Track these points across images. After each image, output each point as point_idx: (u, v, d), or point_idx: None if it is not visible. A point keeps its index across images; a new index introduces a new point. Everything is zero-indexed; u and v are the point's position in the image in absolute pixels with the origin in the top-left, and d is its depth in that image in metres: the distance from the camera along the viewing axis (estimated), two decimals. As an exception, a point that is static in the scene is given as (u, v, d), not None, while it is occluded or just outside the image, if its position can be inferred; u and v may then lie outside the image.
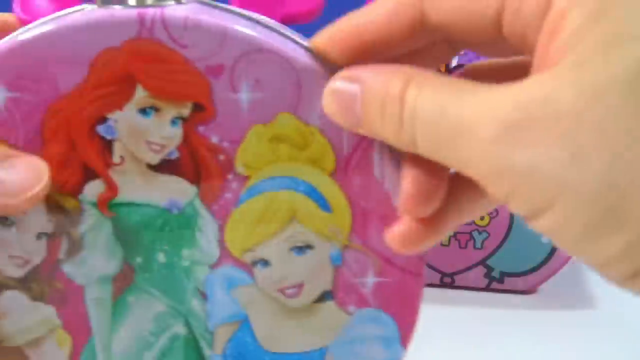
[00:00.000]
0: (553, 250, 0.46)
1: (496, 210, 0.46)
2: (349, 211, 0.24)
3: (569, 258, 0.46)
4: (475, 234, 0.47)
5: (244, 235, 0.24)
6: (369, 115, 0.21)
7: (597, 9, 0.18)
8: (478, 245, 0.47)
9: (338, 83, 0.22)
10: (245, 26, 0.22)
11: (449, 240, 0.47)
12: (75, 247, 0.24)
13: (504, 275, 0.47)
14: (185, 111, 0.23)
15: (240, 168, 0.23)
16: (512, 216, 0.46)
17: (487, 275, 0.47)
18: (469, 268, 0.47)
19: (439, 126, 0.19)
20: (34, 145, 0.23)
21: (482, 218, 0.46)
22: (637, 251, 0.17)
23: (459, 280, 0.48)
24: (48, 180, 0.23)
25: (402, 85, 0.20)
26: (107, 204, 0.24)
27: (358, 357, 0.26)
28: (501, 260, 0.47)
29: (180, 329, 0.25)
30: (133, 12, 0.22)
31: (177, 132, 0.23)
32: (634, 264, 0.18)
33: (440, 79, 0.20)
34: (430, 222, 0.23)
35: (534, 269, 0.46)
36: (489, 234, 0.46)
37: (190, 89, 0.22)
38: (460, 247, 0.47)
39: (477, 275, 0.47)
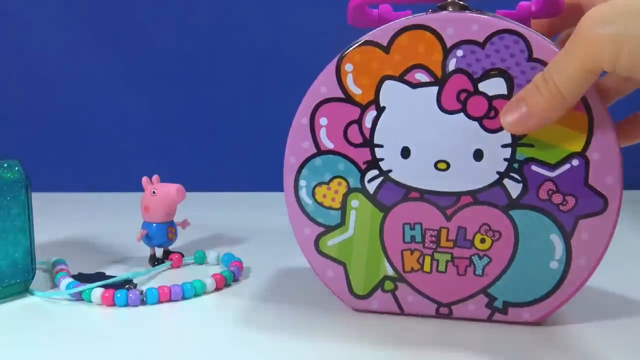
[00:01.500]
0: (564, 276, 0.40)
1: (499, 232, 0.41)
2: None
3: (581, 285, 0.41)
4: (475, 259, 0.41)
5: None
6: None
7: None
8: (479, 271, 0.42)
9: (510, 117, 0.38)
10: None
11: (446, 266, 0.42)
12: None
13: (507, 305, 0.42)
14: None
15: None
16: (517, 238, 0.40)
17: (489, 305, 0.42)
18: (468, 297, 0.42)
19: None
20: None
21: (483, 241, 0.41)
22: None
23: (457, 311, 0.42)
24: None
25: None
26: None
27: None
28: (505, 288, 0.41)
29: None
30: None
31: None
32: None
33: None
34: None
35: (542, 298, 0.41)
36: (490, 259, 0.41)
37: None
38: (458, 274, 0.42)
39: (477, 305, 0.42)
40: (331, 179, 0.42)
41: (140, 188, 0.56)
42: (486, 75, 0.39)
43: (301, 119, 0.42)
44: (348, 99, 0.41)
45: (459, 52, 0.39)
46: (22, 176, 0.48)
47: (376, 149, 0.41)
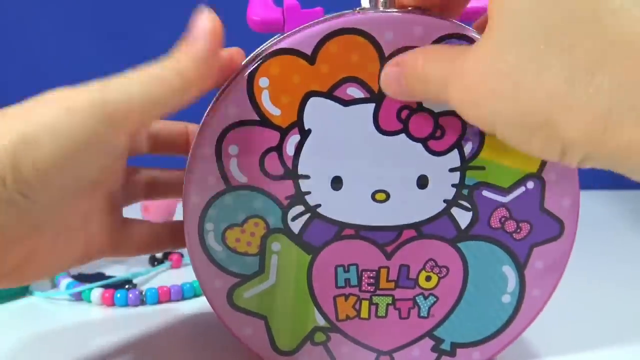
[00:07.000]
0: (517, 309, 0.36)
1: (446, 268, 0.35)
2: None
3: (535, 317, 0.36)
4: (420, 299, 0.36)
5: None
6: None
7: None
8: (424, 313, 0.36)
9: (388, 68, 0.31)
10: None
11: (387, 310, 0.36)
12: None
13: (456, 347, 0.37)
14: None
15: None
16: (466, 273, 0.35)
17: (436, 348, 0.37)
18: (412, 342, 0.37)
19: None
20: None
21: (428, 279, 0.35)
22: None
23: (399, 358, 0.37)
24: None
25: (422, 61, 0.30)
26: None
27: None
28: (453, 328, 0.36)
29: None
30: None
31: None
32: None
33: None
34: None
35: (493, 335, 0.36)
36: (437, 298, 0.36)
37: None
38: (400, 318, 0.36)
39: (422, 349, 0.37)
40: (245, 220, 0.34)
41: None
42: (431, 88, 0.33)
43: (204, 148, 0.33)
44: (264, 121, 0.33)
45: (400, 62, 0.32)
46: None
47: (301, 181, 0.34)
